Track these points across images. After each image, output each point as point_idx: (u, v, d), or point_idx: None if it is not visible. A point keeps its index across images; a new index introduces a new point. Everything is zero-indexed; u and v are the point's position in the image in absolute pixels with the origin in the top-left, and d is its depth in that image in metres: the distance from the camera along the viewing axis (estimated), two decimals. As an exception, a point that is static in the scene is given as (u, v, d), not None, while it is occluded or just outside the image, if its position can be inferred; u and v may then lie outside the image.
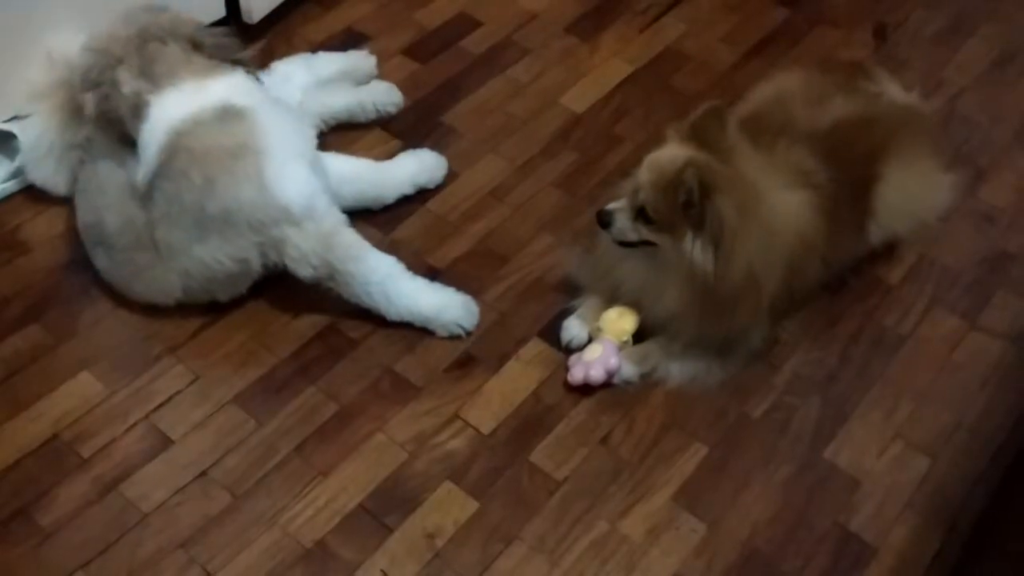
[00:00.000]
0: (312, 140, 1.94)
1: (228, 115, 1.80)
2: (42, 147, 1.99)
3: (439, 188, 2.15)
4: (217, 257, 1.81)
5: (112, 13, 1.93)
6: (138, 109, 1.81)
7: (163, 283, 1.86)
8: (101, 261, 1.90)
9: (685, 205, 1.67)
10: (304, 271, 1.82)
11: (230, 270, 1.83)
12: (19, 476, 1.70)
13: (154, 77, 1.81)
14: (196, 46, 1.86)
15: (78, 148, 1.98)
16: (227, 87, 1.83)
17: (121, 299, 1.94)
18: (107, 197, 1.86)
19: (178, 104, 1.80)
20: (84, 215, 1.91)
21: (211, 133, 1.78)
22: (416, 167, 2.11)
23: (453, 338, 1.90)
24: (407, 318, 1.87)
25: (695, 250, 1.69)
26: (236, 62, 1.89)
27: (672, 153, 1.74)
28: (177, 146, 1.77)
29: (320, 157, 1.96)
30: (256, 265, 1.84)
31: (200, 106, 1.79)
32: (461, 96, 2.36)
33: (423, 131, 2.27)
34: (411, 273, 1.88)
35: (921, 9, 2.65)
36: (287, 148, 1.83)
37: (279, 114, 1.88)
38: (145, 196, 1.81)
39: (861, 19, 2.62)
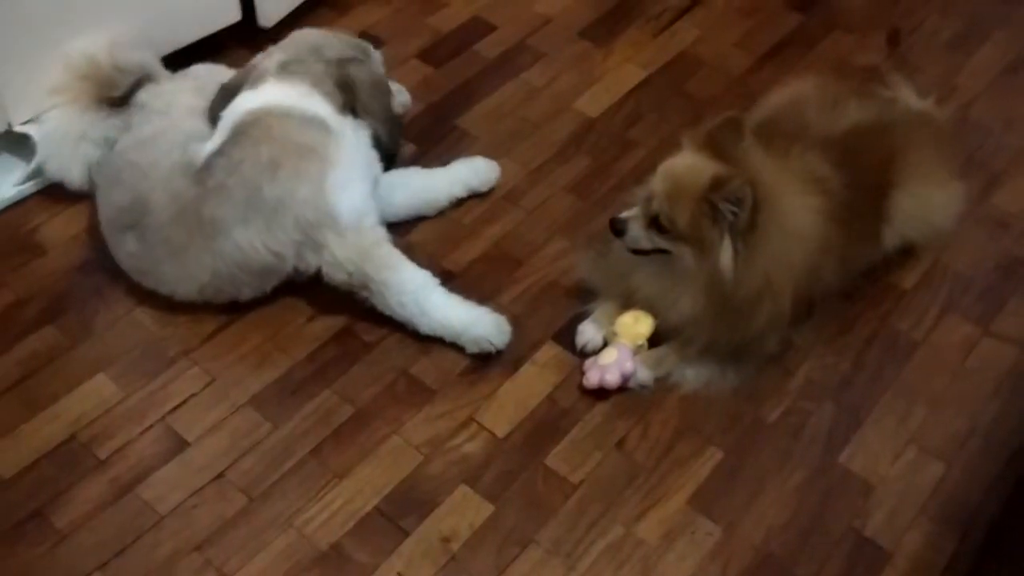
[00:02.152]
0: (379, 173, 1.96)
1: (314, 123, 1.86)
2: (58, 136, 2.00)
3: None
4: (255, 244, 1.82)
5: (132, 18, 1.96)
6: (255, 81, 1.90)
7: (194, 266, 1.85)
8: (129, 246, 1.89)
9: (730, 215, 1.66)
10: (339, 276, 1.84)
11: (264, 261, 1.84)
12: (36, 477, 1.71)
13: (287, 69, 1.90)
14: (344, 87, 1.92)
15: (99, 142, 1.99)
16: (328, 111, 1.88)
17: (139, 299, 1.95)
18: (152, 179, 1.85)
19: (281, 94, 1.87)
20: (117, 199, 1.89)
21: (293, 126, 1.84)
22: (467, 170, 2.14)
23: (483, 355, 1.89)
24: (439, 332, 1.88)
25: (722, 258, 1.69)
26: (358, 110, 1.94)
27: (688, 162, 1.74)
28: (259, 121, 1.83)
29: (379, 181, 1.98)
30: (290, 263, 1.85)
31: (296, 105, 1.86)
32: (475, 100, 2.37)
33: (437, 135, 2.28)
34: (445, 288, 1.88)
35: (935, 15, 2.65)
36: (354, 169, 1.87)
37: (357, 146, 1.91)
38: (203, 170, 1.82)
39: (875, 24, 2.63)
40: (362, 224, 1.85)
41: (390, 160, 2.01)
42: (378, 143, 1.96)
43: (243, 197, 1.80)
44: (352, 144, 1.89)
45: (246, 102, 1.87)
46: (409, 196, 2.06)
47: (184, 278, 1.88)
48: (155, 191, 1.84)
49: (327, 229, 1.82)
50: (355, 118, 1.93)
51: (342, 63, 1.93)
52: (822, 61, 2.51)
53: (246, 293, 1.92)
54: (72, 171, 2.04)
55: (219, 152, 1.83)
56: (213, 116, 1.94)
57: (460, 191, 2.13)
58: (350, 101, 1.92)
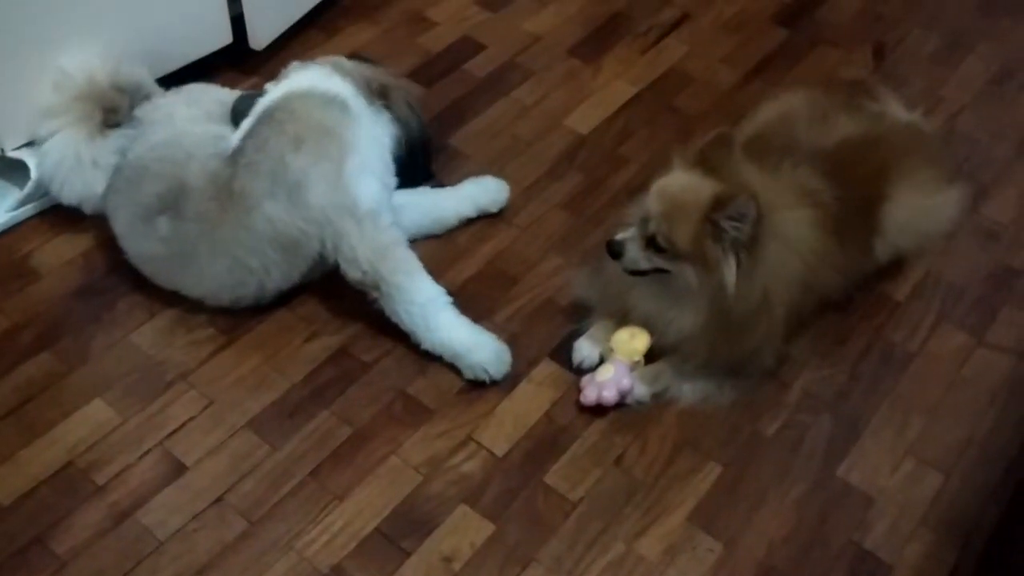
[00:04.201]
0: (393, 180, 1.98)
1: (335, 102, 1.92)
2: (69, 162, 1.99)
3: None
4: (283, 218, 1.85)
5: (124, 41, 1.96)
6: (280, 78, 1.99)
7: (228, 241, 1.86)
8: (162, 231, 1.88)
9: (734, 231, 1.67)
10: (354, 273, 1.86)
11: (292, 236, 1.86)
12: (34, 504, 1.70)
13: (307, 64, 2.01)
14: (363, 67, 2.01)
15: (107, 166, 1.99)
16: (348, 90, 1.95)
17: (135, 323, 1.95)
18: (189, 166, 1.89)
19: (301, 79, 1.96)
20: (150, 188, 1.89)
21: (314, 105, 1.91)
22: (476, 189, 2.15)
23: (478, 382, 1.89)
24: (439, 350, 1.88)
25: (727, 274, 1.69)
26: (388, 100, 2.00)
27: (682, 181, 1.74)
28: (283, 104, 1.91)
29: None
30: (315, 243, 1.87)
31: (315, 85, 1.94)
32: (466, 119, 2.38)
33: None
34: (456, 310, 1.88)
35: (919, 28, 2.68)
36: (370, 161, 1.91)
37: (376, 142, 1.95)
38: (235, 152, 1.88)
39: (860, 39, 2.65)
40: (379, 217, 1.87)
41: (420, 163, 2.06)
42: (406, 156, 1.99)
43: (269, 169, 1.84)
44: (371, 134, 1.93)
45: (272, 94, 1.94)
46: (418, 216, 2.07)
47: (216, 255, 1.88)
48: (192, 175, 1.88)
49: (346, 214, 1.84)
50: (381, 104, 1.97)
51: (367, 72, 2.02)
52: (808, 75, 2.53)
53: (273, 279, 1.91)
54: (88, 195, 2.03)
55: (248, 135, 1.89)
56: (236, 117, 1.98)
57: (470, 211, 2.14)
58: (373, 80, 1.98)
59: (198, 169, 1.88)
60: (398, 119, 1.99)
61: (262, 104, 1.93)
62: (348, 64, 2.01)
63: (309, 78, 1.95)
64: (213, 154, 1.90)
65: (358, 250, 1.84)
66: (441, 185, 2.18)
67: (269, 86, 1.99)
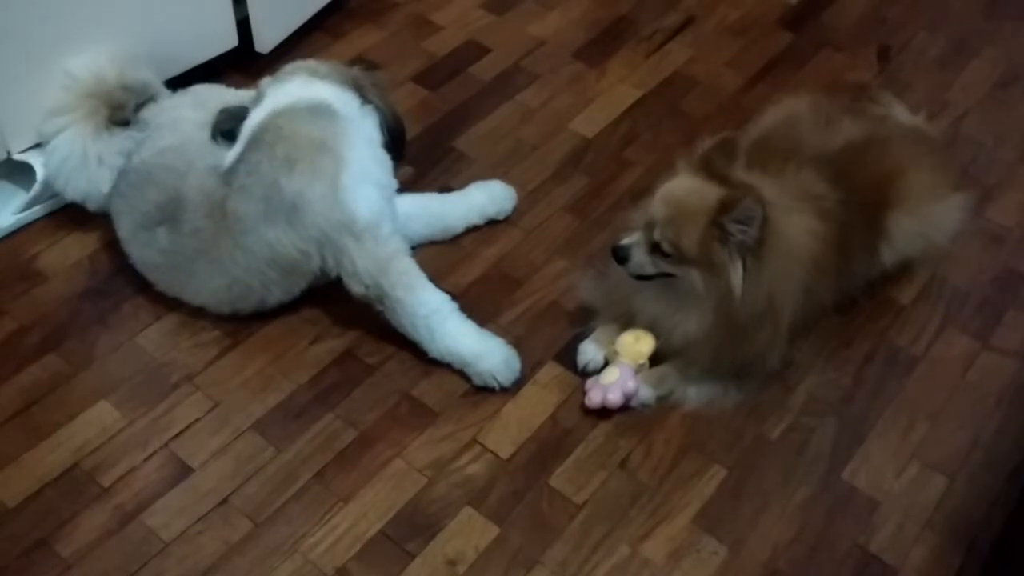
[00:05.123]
0: (391, 179, 1.95)
1: (321, 111, 1.87)
2: (75, 159, 1.99)
3: (452, 214, 2.16)
4: (281, 240, 1.83)
5: (131, 44, 1.96)
6: (257, 99, 1.94)
7: (225, 260, 1.86)
8: (162, 242, 1.89)
9: (741, 234, 1.66)
10: (356, 288, 1.85)
11: (291, 257, 1.85)
12: (40, 506, 1.70)
13: (281, 76, 1.95)
14: (359, 86, 1.97)
15: (113, 164, 1.99)
16: (333, 94, 1.90)
17: (141, 325, 1.95)
18: (189, 178, 1.88)
19: (282, 94, 1.90)
20: (152, 197, 1.90)
21: (301, 119, 1.86)
22: (485, 198, 2.14)
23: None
24: (447, 358, 1.88)
25: (733, 278, 1.69)
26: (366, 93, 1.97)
27: (687, 186, 1.74)
28: (270, 124, 1.85)
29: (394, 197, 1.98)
30: (315, 262, 1.86)
31: (299, 98, 1.88)
32: (471, 122, 2.38)
33: (435, 157, 2.29)
34: (463, 315, 1.88)
35: (924, 32, 2.68)
36: (366, 169, 1.87)
37: (368, 142, 1.92)
38: (228, 173, 1.86)
39: (865, 42, 2.65)
40: (380, 229, 1.84)
41: (398, 146, 2.02)
42: (388, 142, 1.97)
43: (262, 194, 1.82)
44: (363, 136, 1.90)
45: (255, 116, 1.90)
46: (425, 225, 2.07)
47: (215, 273, 1.88)
48: (191, 188, 1.87)
49: (345, 230, 1.82)
50: (361, 97, 1.94)
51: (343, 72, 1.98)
52: (813, 79, 2.53)
53: (274, 295, 1.92)
54: (93, 192, 2.02)
55: (240, 159, 1.86)
56: (215, 134, 1.95)
57: (477, 219, 2.13)
58: (347, 74, 1.95)
59: (195, 183, 1.87)
60: (376, 107, 1.96)
61: (248, 128, 1.88)
62: (322, 66, 1.97)
63: (290, 91, 1.90)
64: (211, 167, 1.88)
65: (359, 265, 1.82)
66: (448, 189, 2.18)
67: (251, 106, 1.94)
